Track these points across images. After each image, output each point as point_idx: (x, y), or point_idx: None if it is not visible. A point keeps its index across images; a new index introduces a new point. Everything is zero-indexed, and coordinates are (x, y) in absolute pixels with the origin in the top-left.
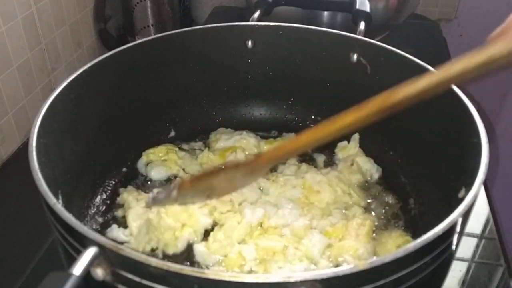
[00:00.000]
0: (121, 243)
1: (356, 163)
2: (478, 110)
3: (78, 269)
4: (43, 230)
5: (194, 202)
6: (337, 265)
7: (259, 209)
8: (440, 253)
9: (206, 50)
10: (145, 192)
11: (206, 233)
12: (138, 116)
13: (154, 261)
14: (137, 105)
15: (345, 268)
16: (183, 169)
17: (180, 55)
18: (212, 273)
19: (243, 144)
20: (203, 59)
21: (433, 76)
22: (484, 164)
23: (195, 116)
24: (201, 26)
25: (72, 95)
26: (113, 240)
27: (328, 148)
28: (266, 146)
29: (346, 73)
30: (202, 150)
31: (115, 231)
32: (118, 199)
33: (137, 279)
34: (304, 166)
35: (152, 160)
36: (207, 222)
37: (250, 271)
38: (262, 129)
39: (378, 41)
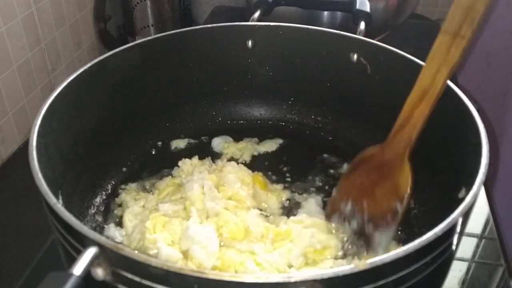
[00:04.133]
0: (118, 242)
1: None
2: (478, 110)
3: (78, 269)
4: (43, 230)
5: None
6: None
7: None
8: (440, 253)
9: (206, 50)
10: (144, 191)
11: None
12: (138, 116)
13: (154, 261)
14: (137, 105)
15: (345, 268)
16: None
17: (180, 55)
18: (212, 273)
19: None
20: (203, 59)
21: None
22: (484, 164)
23: (195, 116)
24: (201, 26)
25: (72, 95)
26: (109, 239)
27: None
28: (263, 147)
29: (346, 73)
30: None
31: (112, 230)
32: (117, 199)
33: (137, 279)
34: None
35: None
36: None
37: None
38: (262, 129)
39: (378, 41)
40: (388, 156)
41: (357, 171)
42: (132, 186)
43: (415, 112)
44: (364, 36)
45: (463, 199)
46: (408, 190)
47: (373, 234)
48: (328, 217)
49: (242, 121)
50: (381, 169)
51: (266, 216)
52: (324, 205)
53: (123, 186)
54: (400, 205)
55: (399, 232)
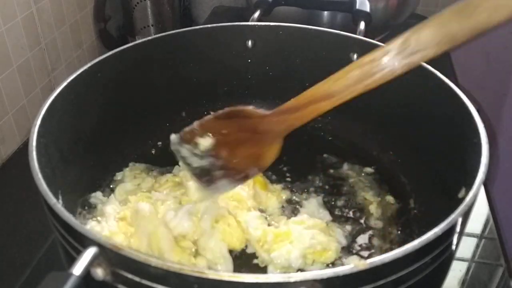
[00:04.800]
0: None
1: None
2: (478, 110)
3: (78, 269)
4: (43, 230)
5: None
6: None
7: None
8: (440, 253)
9: (206, 50)
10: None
11: None
12: (138, 116)
13: (154, 261)
14: (137, 105)
15: (345, 268)
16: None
17: (180, 55)
18: (212, 273)
19: None
20: (203, 59)
21: None
22: (484, 164)
23: (195, 116)
24: (201, 26)
25: (72, 95)
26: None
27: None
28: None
29: None
30: None
31: (98, 196)
32: (118, 173)
33: (137, 279)
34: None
35: None
36: None
37: None
38: None
39: (378, 41)
40: (265, 128)
41: (229, 119)
42: (137, 165)
43: (311, 106)
44: (364, 36)
45: (463, 199)
46: (269, 164)
47: (218, 180)
48: (178, 145)
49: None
50: (253, 133)
51: (266, 218)
52: (325, 205)
53: (130, 164)
54: (254, 172)
55: (399, 232)
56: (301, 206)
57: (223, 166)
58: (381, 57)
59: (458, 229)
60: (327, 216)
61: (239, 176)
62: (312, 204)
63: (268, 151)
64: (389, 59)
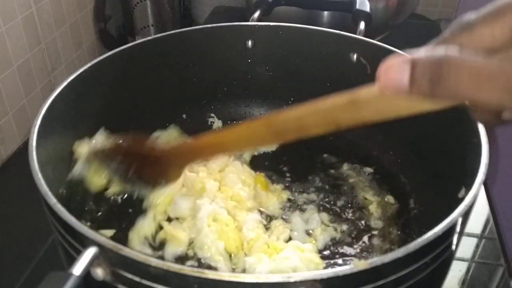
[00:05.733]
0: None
1: None
2: None
3: (78, 269)
4: (43, 230)
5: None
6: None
7: None
8: (440, 253)
9: (206, 50)
10: None
11: None
12: (138, 116)
13: (154, 261)
14: (136, 105)
15: (345, 268)
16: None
17: (180, 55)
18: (212, 273)
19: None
20: (203, 59)
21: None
22: (484, 164)
23: (195, 116)
24: (201, 26)
25: (72, 95)
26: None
27: None
28: (263, 147)
29: (346, 73)
30: None
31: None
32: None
33: (137, 279)
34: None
35: None
36: None
37: None
38: None
39: (378, 41)
40: (165, 161)
41: (133, 147)
42: None
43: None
44: (364, 36)
45: (463, 199)
46: (172, 181)
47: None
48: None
49: (242, 121)
50: (156, 161)
51: (268, 219)
52: (325, 205)
53: None
54: (163, 183)
55: (399, 232)
56: (300, 209)
57: (133, 174)
58: None
59: (458, 229)
60: (324, 217)
61: (149, 183)
62: (308, 213)
63: (171, 174)
64: None
